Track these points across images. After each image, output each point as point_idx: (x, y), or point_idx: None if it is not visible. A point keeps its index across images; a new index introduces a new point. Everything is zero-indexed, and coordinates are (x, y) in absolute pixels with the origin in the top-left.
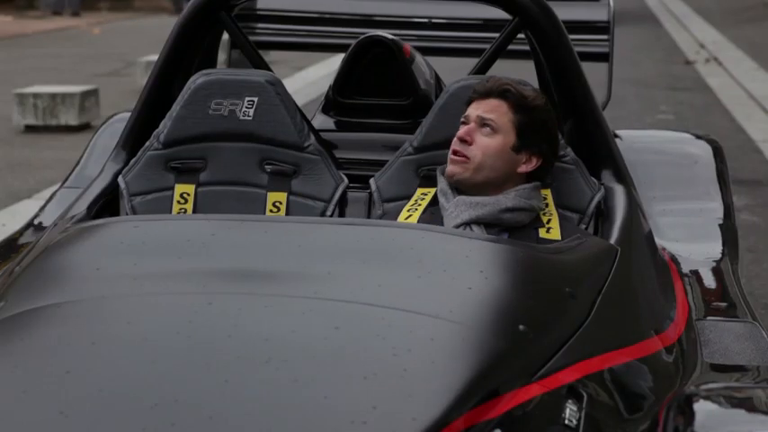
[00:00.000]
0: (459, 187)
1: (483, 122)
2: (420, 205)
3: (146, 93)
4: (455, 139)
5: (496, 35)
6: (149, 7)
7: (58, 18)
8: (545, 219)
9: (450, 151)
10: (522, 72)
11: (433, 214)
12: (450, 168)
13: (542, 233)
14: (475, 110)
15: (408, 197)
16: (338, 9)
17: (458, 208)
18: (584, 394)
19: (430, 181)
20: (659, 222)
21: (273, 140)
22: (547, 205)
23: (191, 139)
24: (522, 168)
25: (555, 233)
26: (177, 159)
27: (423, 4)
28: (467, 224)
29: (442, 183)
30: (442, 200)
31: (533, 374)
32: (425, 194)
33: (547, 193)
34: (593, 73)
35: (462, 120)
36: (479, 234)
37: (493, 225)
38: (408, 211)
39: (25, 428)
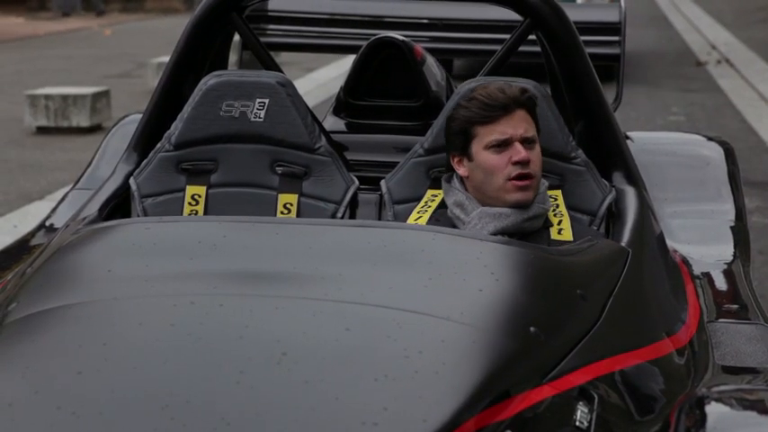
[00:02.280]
0: (488, 203)
1: (526, 140)
2: (430, 207)
3: (157, 94)
4: (505, 163)
5: (507, 36)
6: (160, 8)
7: (69, 19)
8: (555, 219)
9: (509, 177)
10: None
11: (438, 220)
12: (518, 196)
13: (554, 234)
14: (514, 128)
15: (419, 199)
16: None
17: (482, 220)
18: (596, 396)
19: (441, 183)
20: (670, 224)
21: (284, 142)
22: (558, 206)
23: (202, 140)
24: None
25: (567, 234)
26: (188, 161)
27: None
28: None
29: (457, 195)
30: (456, 211)
31: (544, 376)
32: (435, 196)
33: (557, 194)
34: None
35: (497, 142)
36: (490, 236)
37: (514, 234)
38: (418, 213)
39: (37, 429)
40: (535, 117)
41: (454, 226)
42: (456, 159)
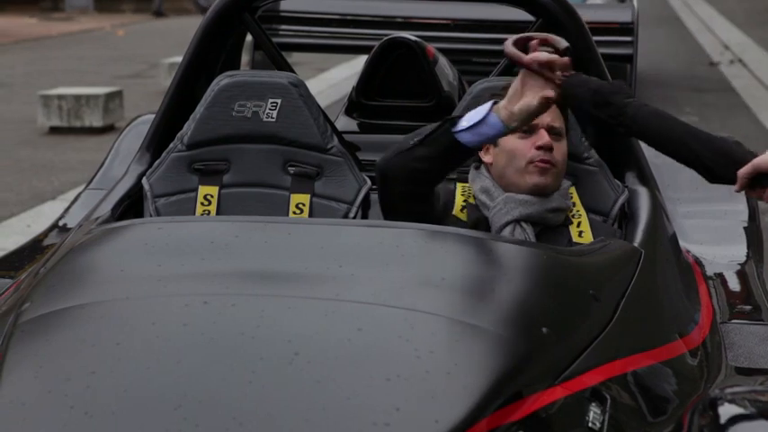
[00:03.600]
0: (510, 189)
1: (553, 130)
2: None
3: (170, 95)
4: (528, 147)
5: None
6: (173, 9)
7: (83, 19)
8: (575, 221)
9: (530, 161)
10: None
11: (465, 207)
12: (536, 179)
13: (575, 236)
14: (543, 115)
15: None
16: (361, 11)
17: (507, 205)
18: (608, 397)
19: (454, 183)
20: (683, 225)
21: (297, 142)
22: (575, 204)
23: (214, 140)
24: None
25: (587, 236)
26: (201, 161)
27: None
28: (516, 221)
29: (484, 181)
30: (482, 197)
31: (557, 377)
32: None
33: (573, 191)
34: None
35: (525, 127)
36: (502, 236)
37: (537, 223)
38: None
39: (50, 429)
40: (565, 113)
41: (480, 212)
42: (484, 147)
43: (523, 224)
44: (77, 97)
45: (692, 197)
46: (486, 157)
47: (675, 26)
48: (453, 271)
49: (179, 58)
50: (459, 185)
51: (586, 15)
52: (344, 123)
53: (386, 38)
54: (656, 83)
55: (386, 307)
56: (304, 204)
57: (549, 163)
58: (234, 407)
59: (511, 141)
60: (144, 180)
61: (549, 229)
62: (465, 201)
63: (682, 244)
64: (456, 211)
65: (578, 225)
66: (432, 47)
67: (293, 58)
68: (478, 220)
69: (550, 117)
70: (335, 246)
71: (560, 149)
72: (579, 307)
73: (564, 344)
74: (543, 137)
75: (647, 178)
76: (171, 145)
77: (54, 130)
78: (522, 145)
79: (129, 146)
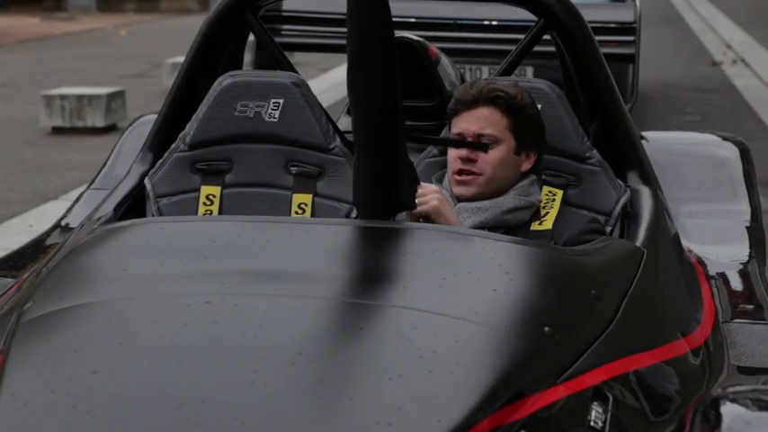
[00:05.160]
0: (462, 201)
1: (482, 138)
2: None
3: (172, 94)
4: (454, 158)
5: (522, 36)
6: (175, 9)
7: (85, 19)
8: (544, 212)
9: (453, 171)
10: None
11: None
12: (458, 190)
13: (534, 226)
14: (468, 124)
15: None
16: None
17: (460, 215)
18: (610, 396)
19: None
20: (686, 224)
21: (299, 142)
22: (553, 201)
23: (217, 140)
24: (524, 167)
25: (547, 224)
26: (203, 161)
27: (448, 5)
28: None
29: (442, 191)
30: None
31: (559, 376)
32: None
33: (557, 192)
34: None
35: (456, 136)
36: (504, 236)
37: (496, 228)
38: None
39: (52, 428)
40: (511, 116)
41: None
42: None
43: (487, 231)
44: (80, 97)
45: (694, 197)
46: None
47: (678, 26)
48: (455, 271)
49: (181, 58)
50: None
51: (588, 15)
52: (347, 123)
53: None
54: (659, 82)
55: (388, 307)
56: (306, 204)
57: (470, 174)
58: (236, 406)
59: (450, 151)
60: (146, 180)
61: (515, 228)
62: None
63: (684, 243)
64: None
65: (545, 215)
66: (434, 47)
67: (295, 57)
68: None
69: (478, 125)
70: (338, 245)
71: (490, 157)
72: (581, 307)
73: (566, 343)
74: (461, 149)
75: (649, 178)
76: (173, 145)
77: (56, 130)
78: (451, 154)
79: (132, 146)
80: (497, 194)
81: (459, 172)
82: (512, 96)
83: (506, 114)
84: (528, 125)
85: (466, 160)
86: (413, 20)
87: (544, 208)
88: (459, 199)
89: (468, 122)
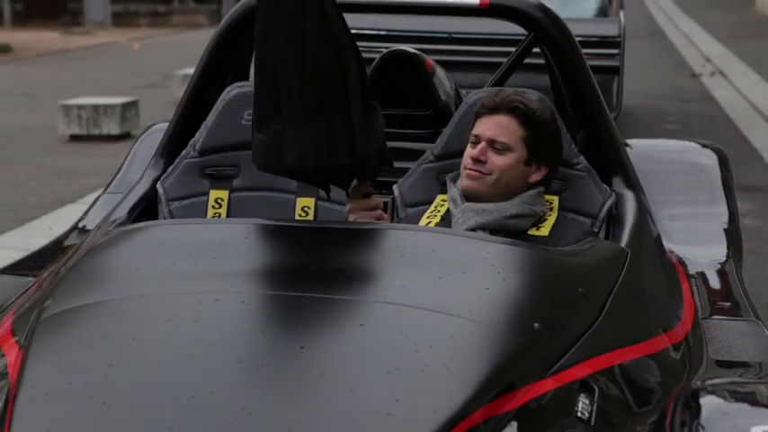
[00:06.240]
0: (469, 197)
1: (495, 143)
2: (439, 212)
3: (182, 104)
4: (467, 157)
5: (513, 49)
6: (186, 23)
7: (101, 33)
8: (542, 219)
9: (465, 167)
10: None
11: (443, 219)
12: (466, 183)
13: (532, 231)
14: (485, 128)
15: (429, 202)
16: (364, 25)
17: (464, 214)
18: (596, 388)
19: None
20: (667, 226)
21: None
22: (552, 210)
23: (224, 147)
24: (533, 178)
25: (544, 231)
26: (212, 166)
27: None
28: (473, 230)
29: (452, 191)
30: (451, 206)
31: (548, 370)
32: (445, 201)
33: (553, 199)
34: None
35: (473, 138)
36: (497, 237)
37: (498, 231)
38: (428, 217)
39: (70, 417)
40: (527, 128)
41: (446, 222)
42: None
43: (480, 233)
44: (96, 107)
45: (675, 200)
46: None
47: (660, 40)
48: (450, 270)
49: (191, 70)
50: (438, 196)
51: (576, 29)
52: None
53: (387, 50)
54: (642, 93)
55: (387, 304)
56: (309, 207)
57: (479, 172)
58: (243, 398)
59: (465, 151)
60: (158, 185)
61: (514, 234)
62: (436, 210)
63: (666, 244)
64: (423, 219)
65: (543, 221)
66: (430, 59)
67: None
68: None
69: (493, 131)
70: (339, 247)
71: (500, 161)
72: (569, 304)
73: (555, 338)
74: (475, 149)
75: (633, 183)
76: (184, 151)
77: (74, 138)
78: (466, 153)
79: (145, 152)
80: (503, 199)
81: (471, 168)
82: (532, 110)
83: (523, 125)
84: (543, 139)
85: (476, 160)
86: (410, 34)
87: (543, 217)
88: (467, 195)
89: (485, 127)
